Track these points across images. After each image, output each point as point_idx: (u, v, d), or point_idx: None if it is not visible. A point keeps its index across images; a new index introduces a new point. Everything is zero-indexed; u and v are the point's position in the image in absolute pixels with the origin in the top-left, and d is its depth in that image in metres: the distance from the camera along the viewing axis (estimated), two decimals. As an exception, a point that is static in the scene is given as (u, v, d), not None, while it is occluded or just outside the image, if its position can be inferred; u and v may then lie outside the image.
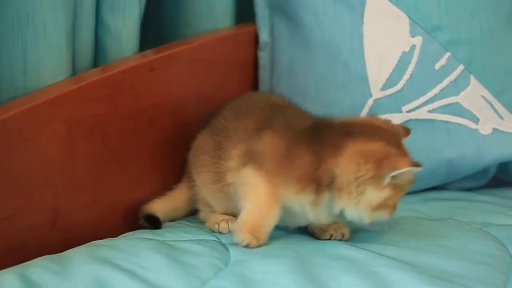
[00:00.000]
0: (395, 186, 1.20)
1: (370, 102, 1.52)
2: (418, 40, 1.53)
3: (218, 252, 1.21)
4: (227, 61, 1.58)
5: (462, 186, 1.59)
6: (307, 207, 1.23)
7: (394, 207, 1.24)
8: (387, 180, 1.19)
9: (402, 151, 1.22)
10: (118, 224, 1.38)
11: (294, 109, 1.36)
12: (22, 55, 1.30)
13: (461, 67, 1.53)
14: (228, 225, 1.34)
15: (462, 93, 1.52)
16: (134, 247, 1.21)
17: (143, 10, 1.52)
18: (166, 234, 1.30)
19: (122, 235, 1.33)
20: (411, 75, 1.52)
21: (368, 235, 1.32)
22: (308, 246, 1.25)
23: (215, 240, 1.29)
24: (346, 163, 1.20)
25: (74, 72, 1.39)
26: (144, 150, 1.43)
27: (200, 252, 1.21)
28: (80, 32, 1.41)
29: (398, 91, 1.52)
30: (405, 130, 1.28)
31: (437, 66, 1.53)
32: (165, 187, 1.45)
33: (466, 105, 1.52)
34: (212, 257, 1.19)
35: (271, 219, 1.24)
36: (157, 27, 1.66)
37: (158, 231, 1.34)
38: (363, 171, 1.19)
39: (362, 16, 1.54)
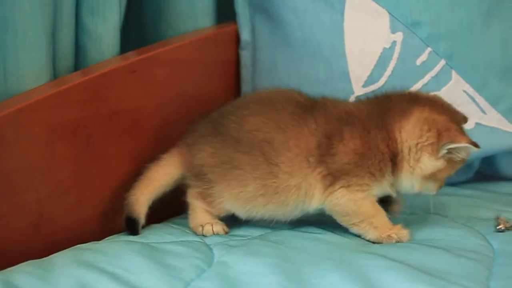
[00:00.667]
0: (449, 160, 1.27)
1: (352, 99, 1.52)
2: (398, 36, 1.53)
3: (201, 253, 1.22)
4: (209, 61, 1.58)
5: (446, 181, 1.59)
6: (388, 189, 1.29)
7: (442, 182, 1.30)
8: (444, 151, 1.25)
9: (462, 130, 1.28)
10: (102, 227, 1.38)
11: (321, 101, 1.35)
12: (1, 60, 1.30)
13: (442, 62, 1.53)
14: (212, 228, 1.34)
15: (444, 88, 1.53)
16: (118, 250, 1.21)
17: (123, 13, 1.52)
18: (149, 236, 1.30)
19: (106, 238, 1.33)
20: (392, 71, 1.52)
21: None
22: (293, 243, 1.25)
23: (198, 241, 1.29)
24: (411, 128, 1.27)
25: (55, 76, 1.39)
26: (127, 152, 1.42)
27: (183, 253, 1.21)
28: (60, 36, 1.41)
29: (380, 88, 1.52)
30: (464, 117, 1.33)
31: (418, 61, 1.53)
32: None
33: (448, 100, 1.52)
34: (195, 258, 1.19)
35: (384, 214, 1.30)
36: (138, 29, 1.66)
37: (142, 233, 1.33)
38: (424, 137, 1.26)
39: (342, 13, 1.54)
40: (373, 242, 1.29)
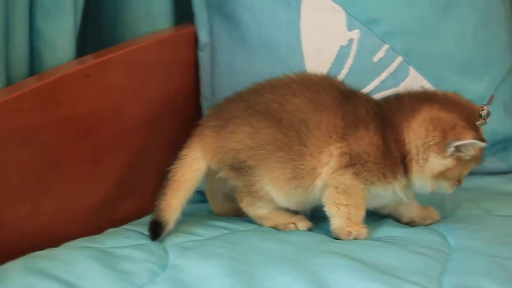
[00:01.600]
0: (458, 158, 1.26)
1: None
2: (355, 34, 1.53)
3: (156, 257, 1.21)
4: (167, 63, 1.57)
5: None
6: (399, 192, 1.30)
7: (457, 181, 1.30)
8: (451, 149, 1.25)
9: (471, 126, 1.26)
10: (60, 233, 1.36)
11: (357, 93, 1.36)
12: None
13: (399, 59, 1.53)
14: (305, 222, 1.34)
15: (402, 84, 1.53)
16: (72, 257, 1.20)
17: (79, 16, 1.51)
18: (106, 241, 1.29)
19: (63, 245, 1.31)
20: (350, 69, 1.52)
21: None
22: (247, 244, 1.25)
23: (155, 244, 1.28)
24: (417, 127, 1.28)
25: (9, 81, 1.38)
26: (83, 158, 1.41)
27: (138, 257, 1.20)
28: (14, 41, 1.40)
29: (337, 86, 1.52)
30: (480, 113, 1.30)
31: (376, 58, 1.53)
32: (107, 194, 1.44)
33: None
34: (149, 262, 1.18)
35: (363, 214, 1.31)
36: (96, 32, 1.65)
37: (99, 238, 1.32)
38: (430, 136, 1.27)
39: (298, 11, 1.53)
40: (333, 233, 1.30)
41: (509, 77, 1.63)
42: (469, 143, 1.25)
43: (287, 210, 1.35)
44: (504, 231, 1.28)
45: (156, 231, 1.30)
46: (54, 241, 1.32)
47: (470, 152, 1.26)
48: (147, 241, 1.30)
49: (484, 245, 1.21)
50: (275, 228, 1.34)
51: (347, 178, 1.29)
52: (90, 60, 1.46)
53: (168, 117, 1.54)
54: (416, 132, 1.28)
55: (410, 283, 1.06)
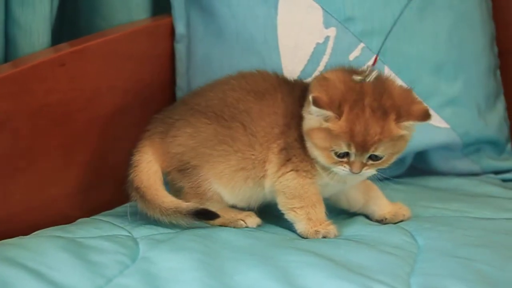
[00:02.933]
0: (321, 125, 1.25)
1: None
2: (332, 31, 1.53)
3: (126, 248, 1.21)
4: (143, 53, 1.57)
5: (378, 176, 1.60)
6: (325, 177, 1.30)
7: (328, 155, 1.26)
8: (313, 109, 1.24)
9: (339, 98, 1.24)
10: (31, 221, 1.36)
11: (297, 81, 1.39)
12: None
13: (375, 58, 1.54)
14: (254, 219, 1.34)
15: (377, 84, 1.53)
16: (42, 246, 1.20)
17: (56, 4, 1.50)
18: (77, 231, 1.29)
19: (34, 233, 1.31)
20: (325, 66, 1.53)
21: (284, 226, 1.34)
22: (217, 238, 1.25)
23: (126, 235, 1.28)
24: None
25: (-17, 68, 1.37)
26: (56, 146, 1.41)
27: (108, 249, 1.20)
28: (-11, 28, 1.39)
29: (313, 82, 1.53)
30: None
31: (351, 57, 1.53)
32: (79, 183, 1.44)
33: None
34: (119, 254, 1.18)
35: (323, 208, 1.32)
36: (73, 21, 1.64)
37: (70, 228, 1.32)
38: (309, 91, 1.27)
39: (276, 7, 1.53)
40: (301, 236, 1.30)
41: (483, 78, 1.64)
42: (313, 108, 1.23)
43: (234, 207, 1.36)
44: (473, 233, 1.29)
45: (209, 215, 1.30)
46: (25, 229, 1.32)
47: (316, 115, 1.24)
48: (118, 232, 1.30)
49: (453, 246, 1.22)
50: (224, 225, 1.33)
51: (289, 179, 1.30)
52: (65, 48, 1.45)
53: (143, 107, 1.54)
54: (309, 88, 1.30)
55: (378, 282, 1.07)
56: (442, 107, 1.57)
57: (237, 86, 1.35)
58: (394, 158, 1.29)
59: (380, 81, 1.28)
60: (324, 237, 1.29)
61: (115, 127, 1.48)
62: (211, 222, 1.31)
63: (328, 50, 1.53)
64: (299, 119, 1.30)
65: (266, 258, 1.15)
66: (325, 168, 1.29)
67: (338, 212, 1.40)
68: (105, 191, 1.48)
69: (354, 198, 1.40)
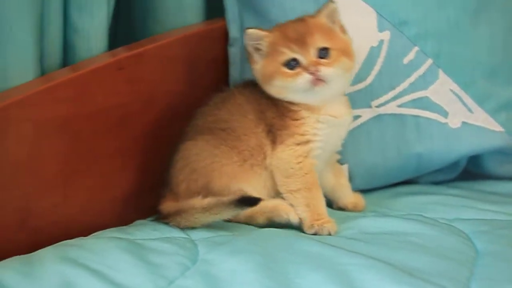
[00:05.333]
0: (263, 55, 1.39)
1: (339, 97, 1.52)
2: (386, 35, 1.53)
3: (186, 250, 1.22)
4: (197, 57, 1.58)
5: (432, 180, 1.60)
6: (314, 122, 1.38)
7: (283, 73, 1.36)
8: (250, 49, 1.41)
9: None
10: (89, 223, 1.38)
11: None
12: (-12, 56, 1.30)
13: (429, 61, 1.53)
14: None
15: (431, 87, 1.53)
16: (103, 247, 1.22)
17: (112, 9, 1.52)
18: (135, 233, 1.31)
19: (92, 234, 1.33)
20: (379, 70, 1.53)
21: (340, 229, 1.34)
22: (276, 241, 1.26)
23: (184, 237, 1.30)
24: None
25: (42, 72, 1.40)
26: (114, 149, 1.43)
27: (168, 250, 1.22)
28: (48, 32, 1.41)
29: (367, 86, 1.53)
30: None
31: (406, 60, 1.53)
32: (136, 185, 1.46)
33: (435, 99, 1.53)
34: (179, 256, 1.20)
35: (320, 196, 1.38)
36: (128, 26, 1.66)
37: (128, 229, 1.34)
38: None
39: (329, 10, 1.54)
40: (301, 230, 1.34)
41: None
42: (248, 34, 1.38)
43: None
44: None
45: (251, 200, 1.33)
46: (83, 231, 1.34)
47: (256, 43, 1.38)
48: (176, 234, 1.32)
49: (512, 251, 1.22)
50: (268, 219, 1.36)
51: (280, 151, 1.37)
52: (122, 52, 1.47)
53: (197, 111, 1.55)
54: None
55: (438, 287, 1.07)
56: (497, 111, 1.55)
57: (203, 108, 1.44)
58: (344, 60, 1.37)
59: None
60: (315, 233, 1.32)
61: (171, 130, 1.50)
62: (253, 207, 1.34)
63: (382, 54, 1.53)
64: (267, 102, 1.39)
65: (325, 261, 1.16)
66: (308, 108, 1.37)
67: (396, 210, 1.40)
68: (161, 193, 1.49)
69: (326, 179, 1.46)
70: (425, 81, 1.53)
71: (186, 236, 1.31)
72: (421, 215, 1.41)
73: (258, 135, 1.39)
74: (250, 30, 1.39)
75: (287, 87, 1.36)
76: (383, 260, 1.16)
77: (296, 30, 1.37)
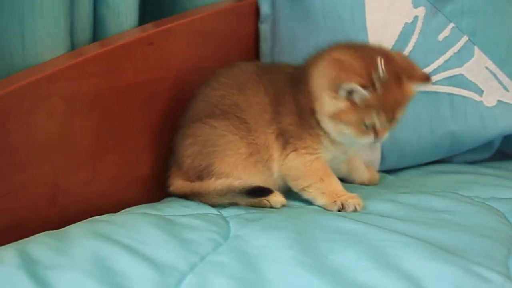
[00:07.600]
0: (353, 103, 1.27)
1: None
2: (421, 11, 1.51)
3: (217, 226, 1.21)
4: (227, 34, 1.57)
5: (466, 159, 1.58)
6: (331, 147, 1.35)
7: (374, 133, 1.29)
8: (342, 91, 1.27)
9: (367, 73, 1.25)
10: (118, 200, 1.37)
11: (279, 65, 1.43)
12: (19, 31, 1.29)
13: (465, 38, 1.50)
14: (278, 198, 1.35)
15: (466, 65, 1.51)
16: (134, 223, 1.20)
17: (142, -16, 1.51)
18: (166, 209, 1.30)
19: (122, 211, 1.32)
20: (414, 46, 1.50)
21: (372, 207, 1.32)
22: (308, 218, 1.24)
23: (215, 214, 1.29)
24: (317, 70, 1.31)
25: (73, 47, 1.38)
26: (144, 125, 1.42)
27: (199, 226, 1.20)
28: (79, 7, 1.40)
29: (401, 63, 1.50)
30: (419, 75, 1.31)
31: (441, 37, 1.51)
32: (165, 162, 1.45)
33: (470, 76, 1.50)
34: (211, 232, 1.18)
35: (334, 180, 1.35)
36: (157, 2, 1.64)
37: (158, 206, 1.33)
38: (326, 76, 1.29)
39: (363, -14, 1.52)
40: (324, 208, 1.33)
41: None
42: (354, 88, 1.25)
43: None
44: None
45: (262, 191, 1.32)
46: (112, 208, 1.33)
47: (357, 97, 1.26)
48: (207, 211, 1.30)
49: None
50: (251, 206, 1.34)
51: (291, 160, 1.34)
52: (152, 28, 1.46)
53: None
54: (315, 74, 1.31)
55: (477, 265, 1.04)
56: (532, 89, 1.53)
57: (217, 85, 1.40)
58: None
59: (382, 50, 1.32)
60: (340, 209, 1.30)
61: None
62: (265, 198, 1.33)
63: (417, 30, 1.50)
64: (291, 105, 1.33)
65: (359, 238, 1.14)
66: (334, 142, 1.33)
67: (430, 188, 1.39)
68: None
69: (340, 166, 1.46)
70: (460, 58, 1.50)
71: (217, 213, 1.29)
72: (455, 193, 1.39)
73: (268, 135, 1.36)
74: (356, 87, 1.25)
75: (349, 137, 1.31)
76: (419, 237, 1.14)
77: (394, 98, 1.28)
